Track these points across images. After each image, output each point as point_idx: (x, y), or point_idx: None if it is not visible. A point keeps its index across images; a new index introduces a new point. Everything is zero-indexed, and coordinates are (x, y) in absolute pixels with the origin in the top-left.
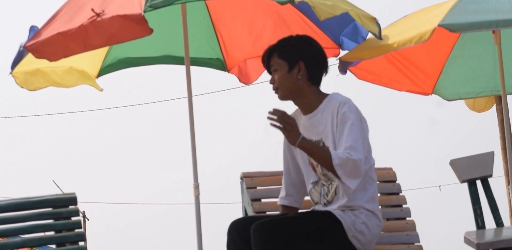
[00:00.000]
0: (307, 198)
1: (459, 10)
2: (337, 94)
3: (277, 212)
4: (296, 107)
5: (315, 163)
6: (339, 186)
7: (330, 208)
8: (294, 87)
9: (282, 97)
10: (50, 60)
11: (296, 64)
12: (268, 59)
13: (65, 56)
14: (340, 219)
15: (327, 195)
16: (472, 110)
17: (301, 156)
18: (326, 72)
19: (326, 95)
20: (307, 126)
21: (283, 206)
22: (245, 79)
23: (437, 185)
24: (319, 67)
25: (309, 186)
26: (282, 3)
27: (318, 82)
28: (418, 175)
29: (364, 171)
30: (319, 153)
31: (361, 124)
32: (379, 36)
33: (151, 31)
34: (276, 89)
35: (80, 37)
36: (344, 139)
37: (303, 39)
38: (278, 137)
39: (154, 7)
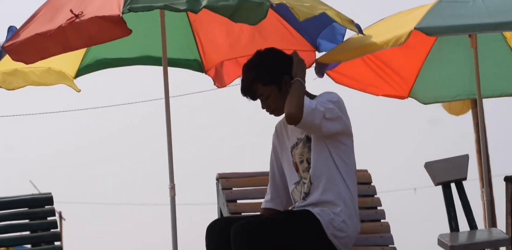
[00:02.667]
0: None
1: (435, 13)
2: (326, 92)
3: (253, 213)
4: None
5: (298, 160)
6: (312, 176)
7: (309, 200)
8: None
9: (281, 114)
10: (27, 62)
11: (282, 81)
12: (254, 88)
13: (43, 58)
14: (318, 217)
15: (306, 188)
16: (449, 113)
17: (286, 158)
18: (305, 69)
19: (314, 96)
20: (293, 128)
21: (266, 210)
22: (220, 82)
23: (413, 188)
24: (301, 72)
25: (291, 187)
26: (253, 24)
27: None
28: (394, 178)
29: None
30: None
31: (333, 111)
32: (361, 33)
33: (130, 31)
34: (273, 111)
35: (59, 39)
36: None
37: (272, 53)
38: (254, 139)
39: (133, 10)
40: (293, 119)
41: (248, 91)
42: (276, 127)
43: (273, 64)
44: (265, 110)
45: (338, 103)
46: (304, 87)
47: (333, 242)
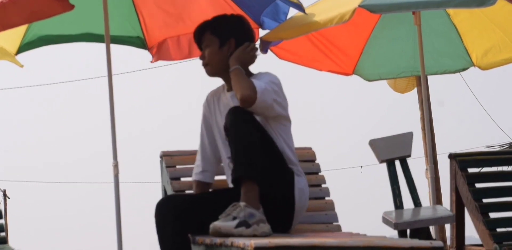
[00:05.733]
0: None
1: None
2: (264, 72)
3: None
4: (221, 83)
5: None
6: None
7: None
8: (224, 64)
9: (211, 73)
10: None
11: (227, 41)
12: (200, 34)
13: None
14: (293, 170)
15: None
16: (395, 91)
17: (219, 133)
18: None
19: (253, 74)
20: (228, 103)
21: (198, 182)
22: (163, 59)
23: (359, 166)
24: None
25: (226, 161)
26: None
27: None
28: (341, 156)
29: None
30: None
31: (279, 94)
32: (303, 10)
33: (72, 6)
34: (205, 65)
35: None
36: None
37: (237, 18)
38: (198, 117)
39: None
40: (249, 100)
41: (198, 33)
42: (207, 97)
43: (231, 23)
44: (201, 62)
45: (279, 85)
46: (245, 74)
47: (296, 197)
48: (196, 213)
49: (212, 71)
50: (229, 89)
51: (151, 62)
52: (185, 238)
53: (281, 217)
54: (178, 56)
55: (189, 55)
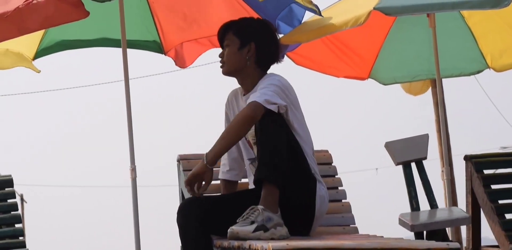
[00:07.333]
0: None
1: None
2: (272, 73)
3: (214, 194)
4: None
5: (251, 141)
6: None
7: None
8: (240, 66)
9: (226, 73)
10: None
11: (248, 44)
12: (224, 33)
13: None
14: (316, 177)
15: None
16: (408, 93)
17: None
18: (276, 60)
19: (266, 74)
20: (244, 107)
21: (225, 181)
22: (181, 62)
23: (374, 168)
24: (269, 53)
25: (247, 162)
26: None
27: (264, 66)
28: (356, 158)
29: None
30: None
31: (286, 93)
32: (319, 14)
33: (87, 13)
34: (222, 64)
35: (15, 21)
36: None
37: (262, 22)
38: (214, 119)
39: None
40: (258, 114)
41: (221, 32)
42: (228, 97)
43: (255, 27)
44: (219, 61)
45: (281, 86)
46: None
47: (316, 205)
48: (218, 215)
49: (226, 71)
50: (245, 93)
51: (182, 67)
52: (208, 241)
53: (300, 223)
54: (202, 49)
55: (212, 46)
